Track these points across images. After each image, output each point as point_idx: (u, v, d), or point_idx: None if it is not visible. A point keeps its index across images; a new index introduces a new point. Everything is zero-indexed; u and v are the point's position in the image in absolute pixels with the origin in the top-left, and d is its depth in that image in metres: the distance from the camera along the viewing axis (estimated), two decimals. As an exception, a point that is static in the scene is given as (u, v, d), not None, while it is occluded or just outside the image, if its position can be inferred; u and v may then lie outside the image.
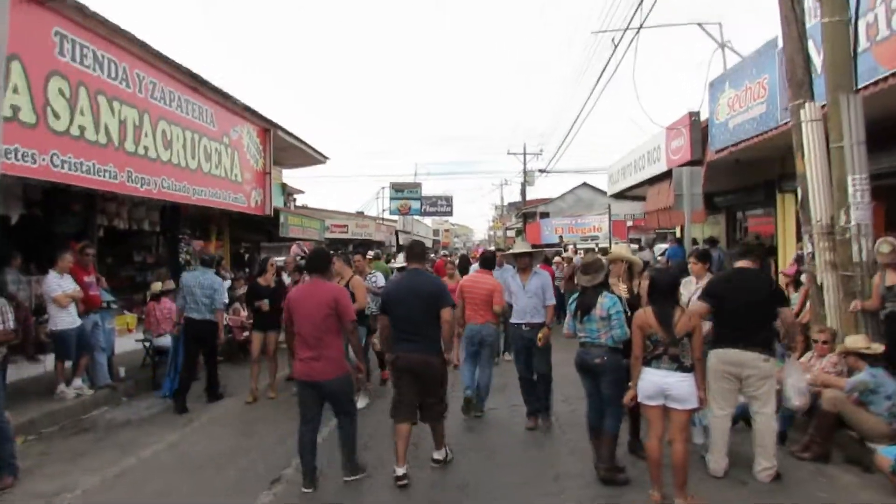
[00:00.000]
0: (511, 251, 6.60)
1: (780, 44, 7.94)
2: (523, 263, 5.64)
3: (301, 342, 4.18)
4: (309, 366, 4.14)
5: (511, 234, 41.61)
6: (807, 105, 5.39)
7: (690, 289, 5.10)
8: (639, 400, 3.90)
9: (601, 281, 4.34)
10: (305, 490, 4.14)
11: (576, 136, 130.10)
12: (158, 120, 8.37)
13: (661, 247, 17.08)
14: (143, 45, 7.83)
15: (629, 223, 22.12)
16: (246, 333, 8.56)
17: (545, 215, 32.85)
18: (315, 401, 4.25)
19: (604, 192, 25.88)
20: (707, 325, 4.33)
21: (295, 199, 23.28)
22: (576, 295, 4.48)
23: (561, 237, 25.06)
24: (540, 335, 5.26)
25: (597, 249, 16.45)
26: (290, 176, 19.73)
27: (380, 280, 7.09)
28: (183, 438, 5.47)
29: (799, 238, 9.63)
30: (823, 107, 5.49)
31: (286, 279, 8.14)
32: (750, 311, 4.15)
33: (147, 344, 7.86)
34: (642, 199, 16.85)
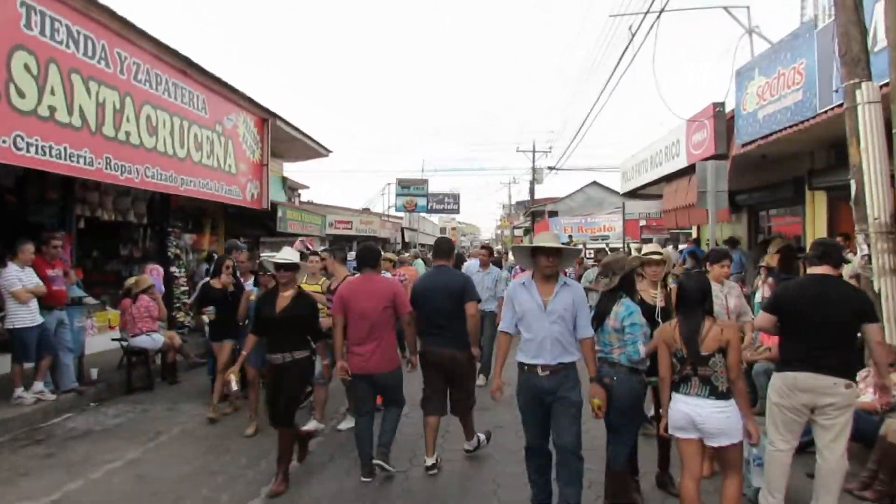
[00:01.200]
0: (529, 244, 3.80)
1: (820, 24, 7.27)
2: (548, 268, 3.48)
3: (355, 336, 4.28)
4: (364, 359, 4.24)
5: (519, 232, 41.08)
6: (864, 85, 4.67)
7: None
8: (669, 431, 3.24)
9: (617, 284, 3.62)
10: (364, 479, 4.18)
11: (587, 134, 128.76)
12: (142, 104, 7.76)
13: (681, 247, 16.29)
14: (125, 22, 7.22)
15: (642, 222, 21.34)
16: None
17: (554, 214, 32.23)
18: (369, 392, 4.43)
19: (614, 191, 25.19)
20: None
21: (299, 195, 22.70)
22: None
23: (570, 237, 24.49)
24: (596, 400, 3.35)
25: (607, 249, 15.71)
26: (294, 171, 19.21)
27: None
28: (144, 455, 4.84)
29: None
30: (883, 87, 4.78)
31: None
32: (829, 326, 3.39)
33: (124, 344, 7.27)
34: (655, 197, 16.11)
